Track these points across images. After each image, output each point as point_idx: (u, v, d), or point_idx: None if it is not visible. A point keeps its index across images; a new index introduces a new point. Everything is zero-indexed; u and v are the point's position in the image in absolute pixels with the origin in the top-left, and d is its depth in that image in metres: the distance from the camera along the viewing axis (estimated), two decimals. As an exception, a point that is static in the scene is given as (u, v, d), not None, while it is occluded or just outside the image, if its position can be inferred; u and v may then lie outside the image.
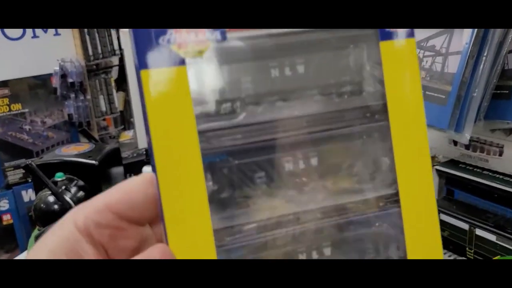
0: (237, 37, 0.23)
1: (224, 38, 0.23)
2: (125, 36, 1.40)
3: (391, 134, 0.25)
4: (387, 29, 0.24)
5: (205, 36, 0.22)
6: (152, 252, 0.24)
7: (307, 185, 0.24)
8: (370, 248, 0.25)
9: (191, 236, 0.23)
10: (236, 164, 0.24)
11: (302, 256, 0.24)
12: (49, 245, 0.27)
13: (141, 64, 0.22)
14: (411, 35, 0.25)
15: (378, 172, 0.25)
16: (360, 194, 0.25)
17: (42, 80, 1.59)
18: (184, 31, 0.22)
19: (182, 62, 0.22)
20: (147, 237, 0.29)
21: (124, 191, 0.27)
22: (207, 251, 0.23)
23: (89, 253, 0.27)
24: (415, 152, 0.25)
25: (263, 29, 0.23)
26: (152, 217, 0.28)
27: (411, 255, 0.25)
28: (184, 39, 0.22)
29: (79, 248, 0.27)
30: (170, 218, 0.23)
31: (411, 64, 0.25)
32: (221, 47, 0.23)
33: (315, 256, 0.24)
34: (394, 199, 0.25)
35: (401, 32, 0.24)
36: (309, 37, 0.24)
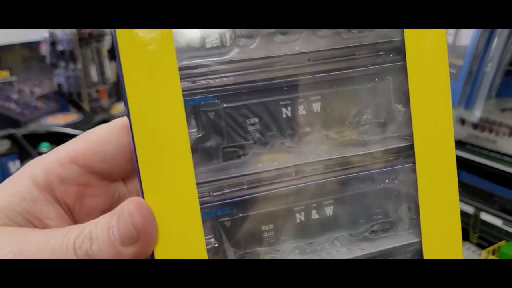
0: None
1: None
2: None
3: (407, 77, 0.21)
4: None
5: None
6: (125, 207, 0.20)
7: (308, 135, 0.20)
8: (378, 208, 0.21)
9: (171, 190, 0.20)
10: (224, 107, 0.20)
11: (300, 216, 0.20)
12: (2, 197, 0.22)
13: None
14: None
15: (390, 121, 0.21)
16: (369, 146, 0.21)
17: (31, 47, 1.54)
18: None
19: None
20: (120, 195, 0.25)
21: (93, 140, 0.23)
22: (189, 206, 0.20)
23: (50, 216, 0.23)
24: (435, 99, 0.21)
25: None
26: (126, 170, 0.24)
27: (424, 217, 0.22)
28: None
29: (38, 210, 0.22)
30: (146, 170, 0.20)
31: None
32: None
33: (314, 216, 0.20)
34: (408, 153, 0.22)
35: None
36: None
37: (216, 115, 0.20)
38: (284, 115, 0.20)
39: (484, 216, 0.77)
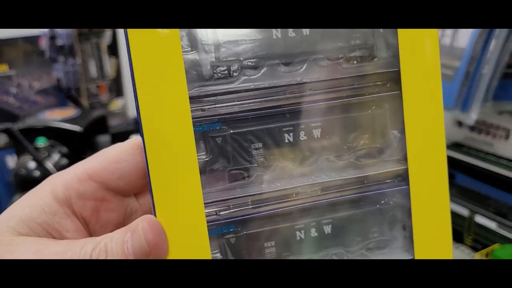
0: None
1: None
2: None
3: (403, 105, 0.22)
4: None
5: None
6: (139, 223, 0.21)
7: (308, 159, 0.21)
8: (375, 227, 0.22)
9: (181, 209, 0.21)
10: (231, 133, 0.22)
11: (300, 234, 0.21)
12: (20, 213, 0.24)
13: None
14: None
15: (386, 146, 0.22)
16: (366, 169, 0.22)
17: (31, 41, 1.55)
18: None
19: None
20: (132, 210, 0.26)
21: (110, 159, 0.25)
22: (198, 224, 0.21)
23: (68, 228, 0.24)
24: (429, 126, 0.22)
25: None
26: (138, 186, 0.25)
27: (417, 236, 0.23)
28: None
29: (56, 222, 0.24)
30: (158, 189, 0.21)
31: (428, 33, 0.22)
32: None
33: (314, 233, 0.22)
34: (402, 176, 0.23)
35: None
36: None
37: (223, 140, 0.21)
38: (286, 140, 0.22)
39: (479, 219, 0.78)
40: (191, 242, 0.21)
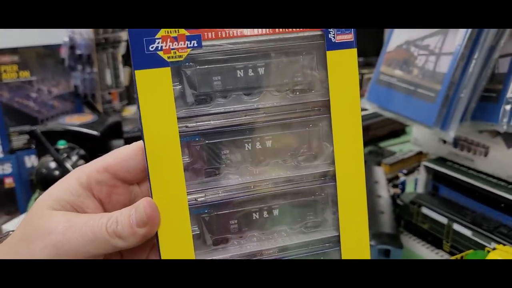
0: (210, 45, 0.30)
1: (200, 45, 0.28)
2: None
3: (332, 124, 0.30)
4: (333, 41, 0.29)
5: (184, 44, 0.28)
6: (140, 202, 0.30)
7: (262, 162, 0.30)
8: (311, 211, 0.30)
9: (170, 196, 0.30)
10: (206, 143, 0.30)
11: (256, 215, 0.30)
12: (54, 194, 0.32)
13: (136, 65, 0.29)
14: (352, 46, 0.29)
15: (320, 154, 0.30)
16: (305, 170, 0.30)
17: (51, 50, 1.63)
18: (168, 40, 0.28)
19: (166, 64, 0.29)
20: (135, 194, 0.34)
21: (120, 157, 0.33)
22: (182, 207, 0.30)
23: (89, 206, 0.33)
24: (350, 141, 0.30)
25: (232, 38, 0.29)
26: (140, 178, 0.34)
27: (342, 218, 0.31)
28: (168, 47, 0.29)
29: (81, 202, 0.32)
30: (154, 181, 0.30)
31: (352, 69, 0.30)
32: (197, 53, 0.29)
33: (266, 215, 0.30)
34: (332, 175, 0.31)
35: (344, 43, 0.29)
36: (268, 46, 0.29)
37: (201, 148, 0.30)
38: (246, 149, 0.30)
39: (456, 227, 0.83)
40: (177, 219, 0.29)
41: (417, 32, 0.84)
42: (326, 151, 0.31)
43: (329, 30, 0.30)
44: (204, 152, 0.30)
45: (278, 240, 0.30)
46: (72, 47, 1.60)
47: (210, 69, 0.30)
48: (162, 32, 0.28)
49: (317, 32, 0.30)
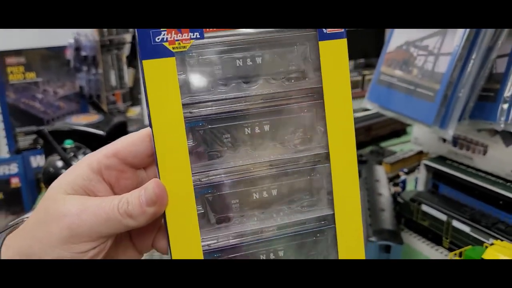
0: (211, 36, 0.32)
1: (202, 37, 0.31)
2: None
3: (325, 109, 0.32)
4: (324, 32, 0.31)
5: (188, 36, 0.31)
6: (149, 183, 0.32)
7: (261, 145, 0.32)
8: (307, 191, 0.32)
9: (176, 176, 0.32)
10: (209, 128, 0.33)
11: (256, 195, 0.32)
12: (67, 180, 0.34)
13: (143, 55, 0.31)
14: (343, 36, 0.32)
15: (314, 137, 0.32)
16: (300, 152, 0.32)
17: (57, 52, 1.66)
18: (173, 32, 0.31)
19: (171, 54, 0.31)
20: (142, 178, 0.36)
21: (128, 143, 0.35)
22: (187, 187, 0.32)
23: (100, 190, 0.35)
24: (342, 124, 0.32)
25: (232, 30, 0.32)
26: (146, 163, 0.36)
27: (336, 197, 0.34)
28: (173, 38, 0.31)
29: (92, 186, 0.34)
30: (161, 163, 0.32)
31: (342, 57, 0.32)
32: (200, 43, 0.32)
33: (265, 195, 0.32)
34: (326, 156, 0.33)
35: (334, 34, 0.31)
36: (264, 37, 0.31)
37: (204, 132, 0.32)
38: (246, 133, 0.32)
39: (455, 224, 0.85)
40: (182, 199, 0.31)
41: (416, 33, 0.86)
42: (319, 135, 0.33)
43: None
44: (207, 136, 0.32)
45: (277, 219, 0.33)
46: (78, 48, 1.63)
47: (211, 59, 0.32)
48: None
49: (310, 24, 0.32)
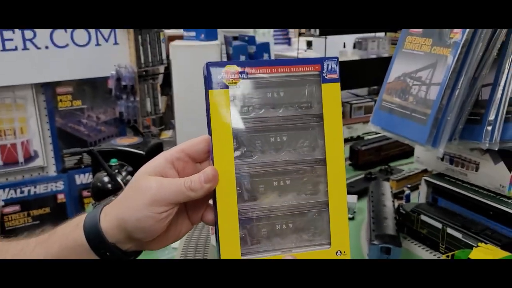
0: (252, 77, 0.48)
1: (247, 77, 0.47)
2: (174, 49, 1.64)
3: (324, 129, 0.49)
4: (326, 77, 0.48)
5: (238, 76, 0.47)
6: (207, 169, 0.47)
7: (280, 149, 0.49)
8: (310, 185, 0.48)
9: (224, 165, 0.47)
10: (248, 136, 0.49)
11: (275, 183, 0.49)
12: (149, 166, 0.51)
13: (209, 86, 0.46)
14: (337, 81, 0.48)
15: (316, 146, 0.48)
16: (306, 156, 0.49)
17: (100, 82, 1.84)
18: (229, 72, 0.47)
19: (226, 87, 0.47)
20: (198, 169, 0.52)
21: (192, 143, 0.51)
22: (230, 173, 0.47)
23: (172, 174, 0.51)
24: (335, 139, 0.49)
25: (265, 74, 0.48)
26: (203, 158, 0.52)
27: (330, 190, 0.49)
28: (228, 76, 0.47)
29: (166, 171, 0.51)
30: (216, 157, 0.47)
31: (336, 95, 0.49)
32: (245, 80, 0.48)
33: (281, 183, 0.49)
34: (323, 160, 0.49)
35: (332, 79, 0.48)
36: (285, 79, 0.48)
37: (244, 138, 0.48)
38: (271, 141, 0.48)
39: (449, 231, 0.95)
40: (227, 180, 0.47)
41: (412, 66, 0.99)
42: (320, 145, 0.49)
43: (323, 70, 0.48)
44: (245, 141, 0.48)
45: (289, 202, 0.49)
46: (118, 79, 1.80)
47: (252, 91, 0.48)
48: (226, 67, 0.46)
49: (316, 72, 0.49)
